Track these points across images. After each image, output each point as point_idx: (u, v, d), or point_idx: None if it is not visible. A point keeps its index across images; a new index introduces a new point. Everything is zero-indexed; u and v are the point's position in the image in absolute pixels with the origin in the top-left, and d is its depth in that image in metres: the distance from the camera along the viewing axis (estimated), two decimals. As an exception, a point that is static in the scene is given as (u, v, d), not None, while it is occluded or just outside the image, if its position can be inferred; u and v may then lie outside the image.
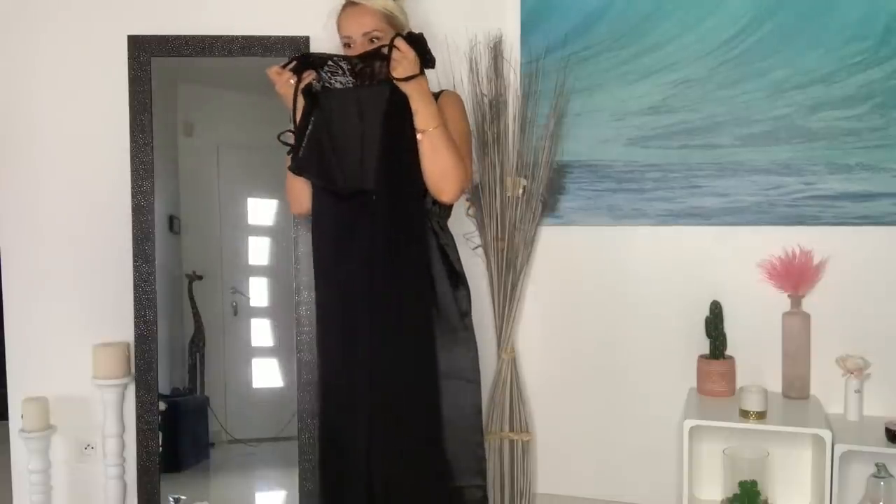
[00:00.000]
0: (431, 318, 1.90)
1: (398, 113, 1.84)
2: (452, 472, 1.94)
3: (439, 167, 1.86)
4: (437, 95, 1.95)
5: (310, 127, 1.89)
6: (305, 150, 1.89)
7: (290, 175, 1.96)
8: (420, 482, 1.86)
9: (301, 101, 1.88)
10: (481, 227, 2.48)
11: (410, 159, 1.85)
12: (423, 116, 1.83)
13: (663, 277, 2.43)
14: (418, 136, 1.84)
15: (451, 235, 2.02)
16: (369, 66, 1.84)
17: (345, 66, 1.85)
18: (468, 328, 1.99)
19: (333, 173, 1.89)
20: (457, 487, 1.95)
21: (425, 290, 1.89)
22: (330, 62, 1.85)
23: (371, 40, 1.90)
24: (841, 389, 2.22)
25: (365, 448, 1.85)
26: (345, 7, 1.96)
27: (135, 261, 2.35)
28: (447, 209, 2.02)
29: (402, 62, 1.79)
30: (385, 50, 1.81)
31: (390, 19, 1.93)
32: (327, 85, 1.88)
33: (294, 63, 1.88)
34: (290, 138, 1.91)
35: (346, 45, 1.95)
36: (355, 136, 1.88)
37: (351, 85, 1.87)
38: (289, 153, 1.91)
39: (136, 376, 2.37)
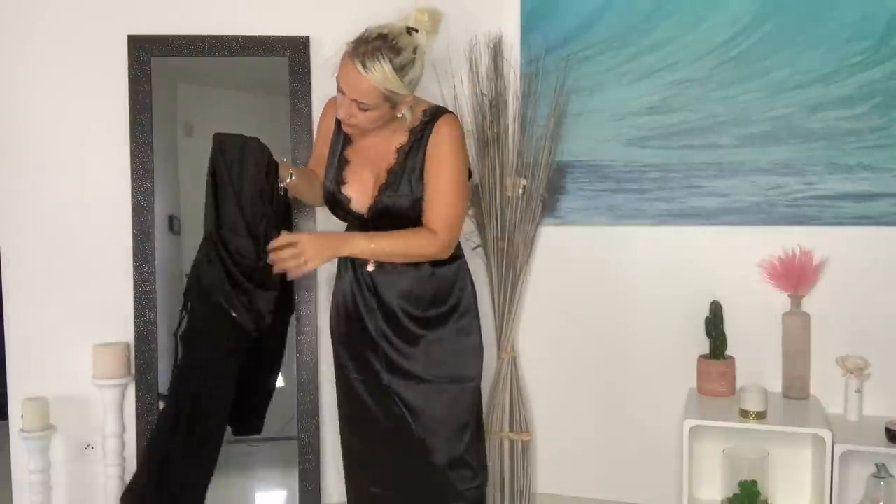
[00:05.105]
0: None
1: None
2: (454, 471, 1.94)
3: (402, 259, 1.92)
4: (432, 117, 1.87)
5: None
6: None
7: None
8: None
9: None
10: (481, 227, 2.48)
11: None
12: (360, 254, 1.90)
13: (663, 277, 2.43)
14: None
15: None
16: None
17: None
18: (474, 329, 1.99)
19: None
20: (458, 487, 1.94)
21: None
22: None
23: (359, 107, 1.79)
24: (841, 389, 2.22)
25: None
26: (344, 59, 1.79)
27: (135, 261, 2.35)
28: None
29: (291, 261, 1.82)
30: None
31: (387, 96, 1.78)
32: None
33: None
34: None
35: (339, 91, 1.83)
36: None
37: None
38: None
39: (136, 376, 2.37)
